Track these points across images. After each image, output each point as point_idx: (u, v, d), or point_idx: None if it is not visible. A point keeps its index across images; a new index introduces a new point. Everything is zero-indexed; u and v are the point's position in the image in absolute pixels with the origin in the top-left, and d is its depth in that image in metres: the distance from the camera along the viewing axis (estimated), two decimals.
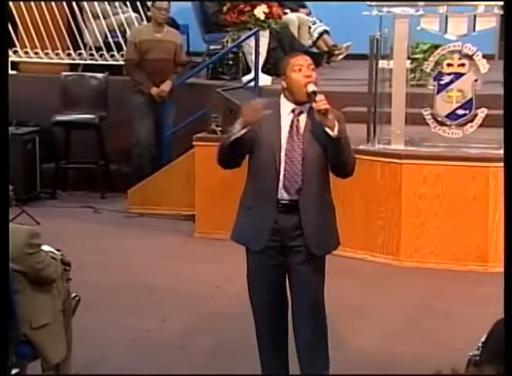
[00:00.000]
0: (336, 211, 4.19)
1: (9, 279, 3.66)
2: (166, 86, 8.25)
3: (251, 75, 8.36)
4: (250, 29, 8.29)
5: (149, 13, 8.77)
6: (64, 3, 9.20)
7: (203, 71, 8.99)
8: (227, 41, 8.77)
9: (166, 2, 8.38)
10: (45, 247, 4.06)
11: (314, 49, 9.84)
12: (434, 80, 6.52)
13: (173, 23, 9.31)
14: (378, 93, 6.66)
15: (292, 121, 4.04)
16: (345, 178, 4.14)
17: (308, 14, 10.20)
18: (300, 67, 4.03)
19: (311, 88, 3.96)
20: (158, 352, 4.93)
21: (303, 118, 4.05)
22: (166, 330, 5.27)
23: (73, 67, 9.27)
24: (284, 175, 4.01)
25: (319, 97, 3.89)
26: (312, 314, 4.08)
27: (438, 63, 6.54)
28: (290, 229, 4.04)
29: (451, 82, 6.47)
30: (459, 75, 6.45)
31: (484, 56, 6.40)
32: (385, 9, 6.49)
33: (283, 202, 4.04)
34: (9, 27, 8.48)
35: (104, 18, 9.26)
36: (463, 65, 6.44)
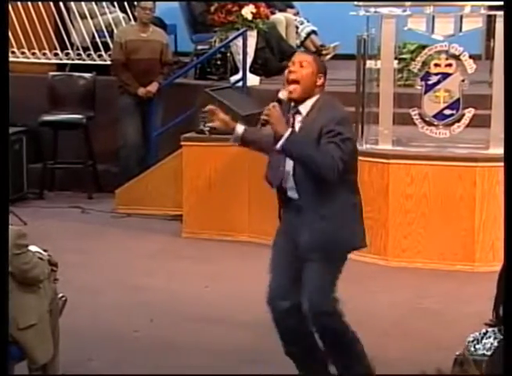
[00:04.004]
0: (346, 216, 4.08)
1: (8, 279, 3.66)
2: (152, 87, 8.24)
3: (239, 75, 8.36)
4: (238, 29, 8.29)
5: (135, 13, 8.76)
6: (51, 3, 9.18)
7: (190, 71, 8.99)
8: (215, 41, 8.76)
9: (150, 2, 8.37)
10: (32, 248, 4.04)
11: (302, 49, 9.85)
12: (422, 80, 6.54)
13: (160, 23, 9.31)
14: (366, 93, 6.67)
15: (288, 121, 4.02)
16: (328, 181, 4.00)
17: (296, 14, 10.20)
18: (290, 64, 4.04)
19: (280, 94, 3.98)
20: (146, 352, 4.92)
21: (300, 118, 4.03)
22: (154, 330, 5.26)
23: (60, 67, 9.25)
24: (284, 175, 4.04)
25: (269, 107, 3.87)
26: (312, 317, 4.05)
27: (425, 63, 6.56)
28: (295, 227, 4.07)
29: (438, 82, 6.48)
30: (446, 75, 6.47)
31: (470, 57, 6.42)
32: (372, 10, 6.50)
33: (290, 202, 4.09)
34: None
35: (91, 18, 9.23)
36: (450, 65, 6.46)
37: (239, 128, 4.19)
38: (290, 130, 3.86)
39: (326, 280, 4.05)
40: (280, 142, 3.84)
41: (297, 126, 4.02)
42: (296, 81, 3.97)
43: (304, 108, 4.02)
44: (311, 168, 3.89)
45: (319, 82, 4.02)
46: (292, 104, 4.05)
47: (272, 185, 4.12)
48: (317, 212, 4.00)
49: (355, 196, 4.15)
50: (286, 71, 4.04)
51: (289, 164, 4.01)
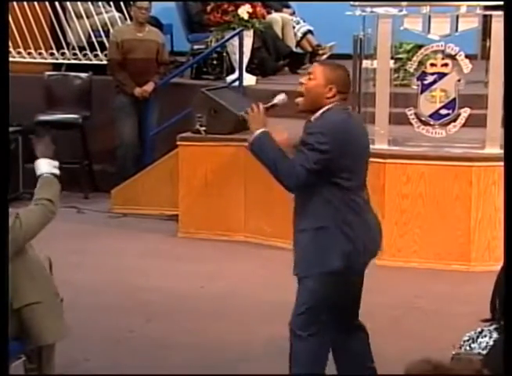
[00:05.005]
0: (330, 235, 3.81)
1: (8, 277, 3.63)
2: (148, 87, 8.23)
3: (235, 75, 8.36)
4: (234, 29, 8.29)
5: (131, 13, 8.75)
6: (47, 3, 9.17)
7: (187, 71, 8.99)
8: (211, 41, 8.77)
9: (146, 2, 8.37)
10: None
11: (298, 49, 9.86)
12: (418, 80, 6.54)
13: (156, 23, 9.31)
14: (362, 93, 6.68)
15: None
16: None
17: (292, 14, 10.21)
18: (302, 76, 4.04)
19: (275, 99, 3.97)
20: (142, 353, 4.92)
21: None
22: (150, 331, 5.26)
23: (56, 67, 9.24)
24: None
25: (252, 105, 3.87)
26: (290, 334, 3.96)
27: (421, 63, 6.57)
28: None
29: (434, 82, 6.49)
30: (442, 75, 6.47)
31: (466, 56, 6.43)
32: (368, 9, 6.51)
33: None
34: None
35: (87, 17, 9.23)
36: (446, 65, 6.47)
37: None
38: (261, 130, 3.79)
39: (300, 299, 3.90)
40: (249, 140, 3.80)
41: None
42: (301, 94, 3.90)
43: (313, 119, 3.91)
44: (271, 173, 3.79)
45: (330, 94, 3.84)
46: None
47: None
48: (299, 225, 3.92)
49: (342, 213, 3.82)
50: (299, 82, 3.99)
51: None
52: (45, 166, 4.07)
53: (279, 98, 3.99)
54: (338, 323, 4.01)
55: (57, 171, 4.09)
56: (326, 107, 3.86)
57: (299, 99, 3.91)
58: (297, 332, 3.90)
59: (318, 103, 3.87)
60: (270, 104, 3.97)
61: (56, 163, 4.11)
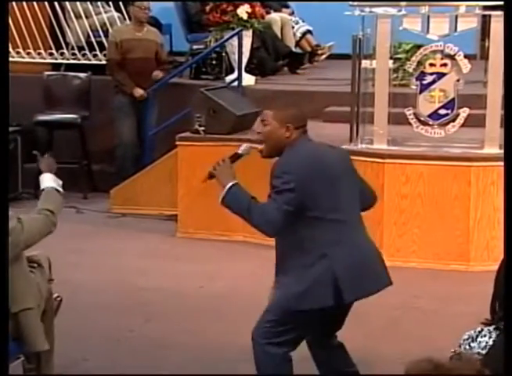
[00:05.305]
0: (301, 273, 3.75)
1: (8, 278, 3.64)
2: (157, 74, 8.23)
3: (234, 75, 8.36)
4: (233, 29, 8.29)
5: (131, 12, 8.75)
6: (46, 3, 9.17)
7: (186, 71, 8.99)
8: (210, 41, 8.77)
9: (147, 1, 8.38)
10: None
11: (297, 49, 9.87)
12: (417, 80, 6.54)
13: (155, 23, 9.31)
14: (361, 93, 6.68)
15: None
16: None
17: (291, 14, 10.22)
18: (255, 125, 4.12)
19: (239, 150, 4.02)
20: (141, 352, 4.92)
21: None
22: (149, 330, 5.26)
23: (55, 67, 9.25)
24: None
25: (219, 160, 3.91)
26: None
27: (420, 63, 6.57)
28: None
29: (433, 82, 6.49)
30: (441, 75, 6.48)
31: (465, 56, 6.43)
32: (367, 9, 6.51)
33: None
34: None
35: (86, 17, 9.24)
36: (445, 65, 6.47)
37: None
38: (230, 183, 3.80)
39: (265, 316, 3.87)
40: (221, 195, 3.81)
41: None
42: (262, 141, 3.92)
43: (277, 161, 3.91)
44: (249, 223, 3.81)
45: (288, 133, 3.83)
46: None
47: None
48: (283, 266, 3.89)
49: (325, 248, 3.74)
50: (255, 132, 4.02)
51: None
52: (50, 181, 4.20)
53: (242, 148, 4.02)
54: (312, 341, 4.01)
55: (60, 189, 4.19)
56: (291, 145, 3.84)
57: (261, 147, 3.92)
58: (258, 340, 3.86)
59: (280, 145, 3.86)
60: (234, 156, 3.99)
61: (60, 182, 4.23)
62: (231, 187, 3.81)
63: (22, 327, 3.85)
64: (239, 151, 4.02)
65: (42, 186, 4.18)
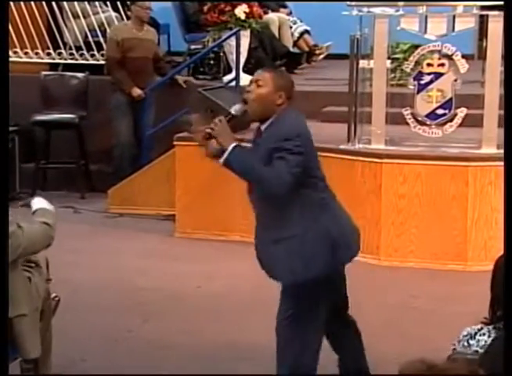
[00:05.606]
0: (299, 240, 3.80)
1: (8, 277, 3.63)
2: (163, 64, 8.37)
3: (232, 75, 8.37)
4: (231, 29, 8.30)
5: (129, 12, 8.75)
6: (43, 2, 9.17)
7: (183, 71, 8.99)
8: (208, 41, 8.78)
9: (149, 1, 8.39)
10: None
11: (295, 49, 9.88)
12: (414, 80, 6.55)
13: (153, 23, 9.31)
14: (358, 93, 6.68)
15: (255, 138, 3.96)
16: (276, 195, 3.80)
17: (289, 14, 10.23)
18: (248, 83, 4.02)
19: (232, 110, 3.90)
20: (139, 353, 4.92)
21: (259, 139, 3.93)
22: (147, 331, 5.26)
23: (53, 67, 9.24)
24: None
25: (215, 120, 3.80)
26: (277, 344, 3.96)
27: (418, 63, 6.57)
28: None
29: (431, 82, 6.50)
30: (438, 75, 6.48)
31: (463, 56, 6.43)
32: (365, 9, 6.51)
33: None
34: None
35: (84, 17, 9.23)
36: (442, 65, 6.48)
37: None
38: (234, 144, 3.73)
39: (284, 306, 3.93)
40: (223, 156, 3.73)
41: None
42: (247, 101, 3.87)
43: (264, 127, 3.88)
44: (257, 183, 3.78)
45: (279, 101, 3.83)
46: (258, 123, 3.94)
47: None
48: (270, 235, 3.90)
49: (317, 216, 3.83)
50: (245, 90, 3.96)
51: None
52: (43, 203, 4.13)
53: (236, 108, 3.91)
54: (328, 319, 4.02)
55: (53, 211, 4.12)
56: (279, 113, 3.83)
57: (246, 107, 3.87)
58: (280, 330, 3.92)
59: (268, 109, 3.84)
60: (229, 116, 3.88)
61: (52, 206, 4.14)
62: (235, 148, 3.73)
63: (15, 333, 3.85)
64: (233, 111, 3.89)
65: (35, 208, 4.10)
